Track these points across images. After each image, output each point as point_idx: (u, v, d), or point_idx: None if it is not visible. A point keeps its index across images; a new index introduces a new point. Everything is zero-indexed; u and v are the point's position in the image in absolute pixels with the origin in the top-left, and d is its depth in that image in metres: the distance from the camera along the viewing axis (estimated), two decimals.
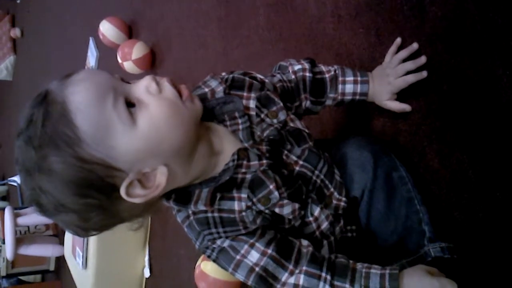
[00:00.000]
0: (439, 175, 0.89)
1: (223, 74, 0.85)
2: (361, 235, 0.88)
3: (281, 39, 1.35)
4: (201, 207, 0.74)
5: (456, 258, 0.82)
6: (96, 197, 0.66)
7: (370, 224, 0.87)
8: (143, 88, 0.69)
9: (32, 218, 2.91)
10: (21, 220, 2.88)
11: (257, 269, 0.74)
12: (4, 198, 5.20)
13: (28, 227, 3.16)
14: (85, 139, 0.64)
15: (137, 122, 0.66)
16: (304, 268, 0.74)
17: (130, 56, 2.11)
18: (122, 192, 0.67)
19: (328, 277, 0.73)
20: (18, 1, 5.31)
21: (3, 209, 2.97)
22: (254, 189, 0.76)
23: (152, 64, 2.18)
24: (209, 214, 0.74)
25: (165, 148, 0.69)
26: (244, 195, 0.75)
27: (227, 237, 0.74)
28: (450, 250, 0.82)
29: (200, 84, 0.84)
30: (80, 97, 0.64)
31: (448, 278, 0.72)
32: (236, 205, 0.75)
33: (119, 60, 2.16)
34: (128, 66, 2.14)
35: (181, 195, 0.75)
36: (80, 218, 0.68)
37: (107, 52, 2.65)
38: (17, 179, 4.36)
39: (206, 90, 0.82)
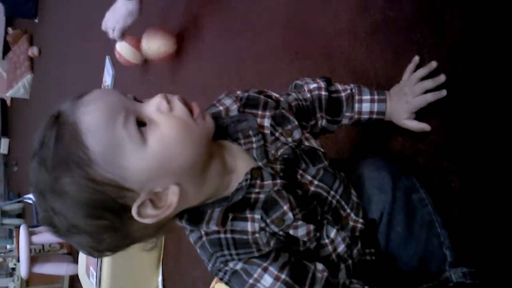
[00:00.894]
0: (461, 197, 0.87)
1: (238, 92, 0.84)
2: (380, 259, 0.86)
3: (296, 57, 1.34)
4: (213, 227, 0.72)
5: (478, 284, 0.79)
6: (108, 219, 0.66)
7: (389, 247, 0.85)
8: (154, 107, 0.69)
9: (47, 236, 2.92)
10: (35, 239, 2.89)
11: None
12: (20, 215, 5.24)
13: (43, 245, 3.17)
14: (96, 160, 0.63)
15: (147, 142, 0.66)
16: None
17: None
18: (134, 212, 0.66)
19: None
20: (36, 21, 5.39)
21: (18, 227, 2.99)
22: (267, 209, 0.73)
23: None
24: (222, 235, 0.72)
25: (176, 166, 0.68)
26: (257, 216, 0.73)
27: (239, 260, 0.72)
28: (472, 275, 0.79)
29: (214, 102, 0.83)
30: (91, 118, 0.64)
31: None
32: (249, 226, 0.73)
33: None
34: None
35: (193, 215, 0.73)
36: (93, 240, 0.68)
37: (123, 71, 2.67)
38: (32, 197, 4.39)
39: (221, 108, 0.81)
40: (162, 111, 0.68)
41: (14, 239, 3.16)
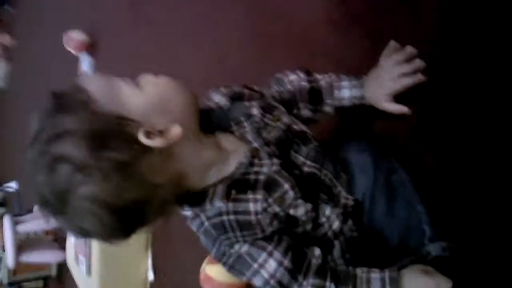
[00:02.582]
0: (438, 176, 0.92)
1: (222, 89, 0.88)
2: (364, 236, 0.90)
3: (276, 45, 1.37)
4: (218, 202, 0.75)
5: (456, 257, 0.84)
6: (114, 148, 0.66)
7: (372, 225, 0.89)
8: (142, 76, 0.77)
9: (32, 224, 2.92)
10: (20, 228, 2.88)
11: (272, 281, 0.75)
12: (1, 204, 5.18)
13: (28, 233, 3.16)
14: (97, 98, 0.69)
15: (143, 87, 0.73)
16: (310, 280, 0.76)
17: None
18: (141, 135, 0.68)
19: (333, 286, 0.76)
20: (11, 9, 5.26)
21: (1, 217, 2.97)
22: (269, 189, 0.77)
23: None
24: (225, 217, 0.75)
25: (172, 106, 0.74)
26: (259, 196, 0.76)
27: (245, 241, 0.75)
28: (450, 249, 0.84)
29: (203, 99, 0.87)
30: (87, 77, 0.74)
31: (445, 276, 0.75)
32: (251, 206, 0.76)
33: None
34: None
35: (195, 197, 0.76)
36: (101, 181, 0.65)
37: (102, 61, 2.65)
38: (14, 184, 4.36)
39: (211, 104, 0.86)
40: (149, 78, 0.76)
41: None
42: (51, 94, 0.70)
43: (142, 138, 0.68)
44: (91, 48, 2.77)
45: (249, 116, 0.83)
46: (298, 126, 0.89)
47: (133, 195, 0.68)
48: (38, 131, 0.68)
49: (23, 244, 3.03)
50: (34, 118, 0.69)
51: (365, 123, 1.06)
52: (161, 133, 0.70)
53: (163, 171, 0.71)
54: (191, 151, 0.75)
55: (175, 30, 1.99)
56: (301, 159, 0.85)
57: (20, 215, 3.06)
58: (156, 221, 0.75)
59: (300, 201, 0.79)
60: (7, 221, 2.84)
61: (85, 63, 2.79)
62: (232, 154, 0.79)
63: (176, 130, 0.71)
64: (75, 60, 2.72)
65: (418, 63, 0.92)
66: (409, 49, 0.94)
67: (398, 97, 0.95)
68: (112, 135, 0.67)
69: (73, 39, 2.69)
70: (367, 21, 1.05)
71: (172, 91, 0.76)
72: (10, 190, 4.38)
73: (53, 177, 0.66)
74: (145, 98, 0.72)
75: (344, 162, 0.92)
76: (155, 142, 0.69)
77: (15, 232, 2.83)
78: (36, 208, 3.24)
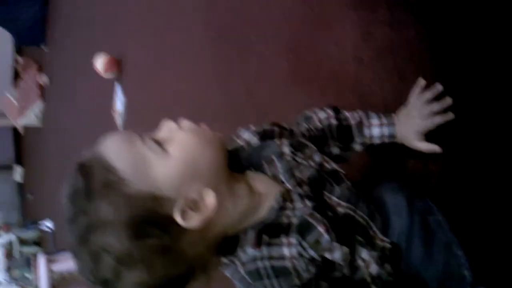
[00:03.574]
0: (476, 217, 0.88)
1: (252, 127, 0.87)
2: (402, 281, 0.87)
3: (304, 81, 1.37)
4: (249, 249, 0.73)
5: None
6: (155, 235, 0.66)
7: (409, 269, 0.86)
8: (165, 129, 0.75)
9: (65, 263, 2.95)
10: (55, 267, 2.92)
11: None
12: (36, 243, 5.26)
13: (62, 273, 3.19)
14: (127, 177, 0.67)
15: (168, 151, 0.71)
16: None
17: None
18: (177, 216, 0.67)
19: None
20: (45, 48, 5.44)
21: (35, 254, 3.02)
22: (303, 233, 0.74)
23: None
24: (260, 264, 0.72)
25: (202, 169, 0.71)
26: (293, 240, 0.73)
27: None
28: None
29: (233, 137, 0.86)
30: (111, 145, 0.70)
31: None
32: (286, 251, 0.73)
33: None
34: None
35: (228, 244, 0.74)
36: (146, 268, 0.66)
37: (134, 97, 2.71)
38: (49, 223, 4.44)
39: (241, 142, 0.84)
40: (173, 129, 0.74)
41: (32, 268, 3.19)
42: (78, 168, 0.69)
43: (179, 220, 0.67)
44: (119, 75, 2.87)
45: (280, 155, 0.81)
46: (330, 165, 0.86)
47: (177, 271, 0.69)
48: (73, 215, 0.67)
49: (58, 283, 3.06)
50: (65, 195, 0.69)
51: (396, 161, 1.04)
52: (195, 203, 0.69)
53: (202, 242, 0.71)
54: (226, 212, 0.73)
55: (204, 68, 2.02)
56: (334, 199, 0.82)
57: (55, 254, 3.11)
58: (199, 279, 0.74)
59: (336, 244, 0.75)
60: (42, 261, 2.88)
61: (119, 101, 2.84)
62: (265, 197, 0.77)
63: (210, 200, 0.70)
64: (107, 97, 2.77)
65: (448, 101, 0.90)
66: (439, 87, 0.92)
67: (427, 135, 0.93)
68: (149, 220, 0.66)
69: (97, 68, 2.90)
70: (395, 58, 1.04)
71: (197, 146, 0.73)
72: (45, 229, 4.46)
73: (97, 267, 0.66)
74: (173, 165, 0.70)
75: (377, 202, 0.89)
76: (192, 222, 0.68)
77: (49, 271, 2.86)
78: None
